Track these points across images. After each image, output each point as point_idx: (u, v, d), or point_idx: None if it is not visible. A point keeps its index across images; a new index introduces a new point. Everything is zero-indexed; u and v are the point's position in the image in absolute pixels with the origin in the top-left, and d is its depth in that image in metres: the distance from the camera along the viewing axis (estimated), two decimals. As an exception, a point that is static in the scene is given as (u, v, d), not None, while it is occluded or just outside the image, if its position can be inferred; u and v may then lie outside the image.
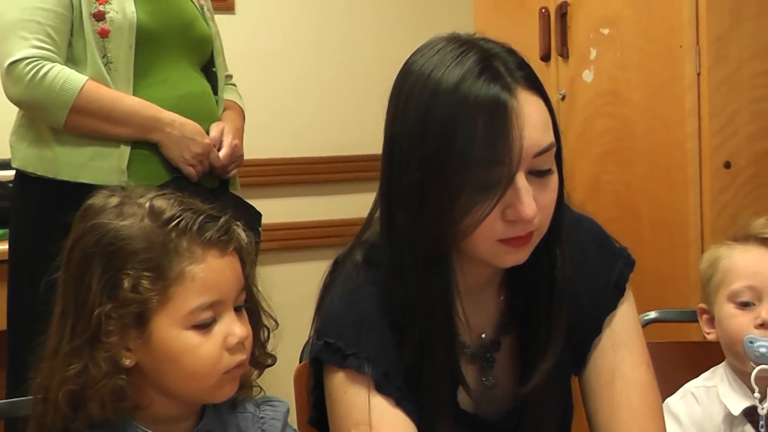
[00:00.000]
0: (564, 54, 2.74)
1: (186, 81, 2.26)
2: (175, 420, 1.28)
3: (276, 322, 1.36)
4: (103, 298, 1.20)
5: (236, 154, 2.28)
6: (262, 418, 1.35)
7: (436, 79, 1.19)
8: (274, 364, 1.36)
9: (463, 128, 1.16)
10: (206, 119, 2.26)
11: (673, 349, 1.83)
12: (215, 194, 2.16)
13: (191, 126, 2.19)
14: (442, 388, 1.26)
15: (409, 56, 1.25)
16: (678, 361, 1.78)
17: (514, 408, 1.33)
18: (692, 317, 1.75)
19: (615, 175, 2.63)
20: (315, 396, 1.32)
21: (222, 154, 2.24)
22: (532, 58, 2.75)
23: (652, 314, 1.93)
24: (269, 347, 1.35)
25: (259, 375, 1.38)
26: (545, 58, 2.79)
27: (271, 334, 1.35)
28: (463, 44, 1.21)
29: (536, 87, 1.21)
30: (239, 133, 2.33)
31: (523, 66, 1.21)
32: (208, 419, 1.31)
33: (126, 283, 1.20)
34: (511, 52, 1.23)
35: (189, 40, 2.27)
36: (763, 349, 1.53)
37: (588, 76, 2.67)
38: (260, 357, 1.34)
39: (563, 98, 2.74)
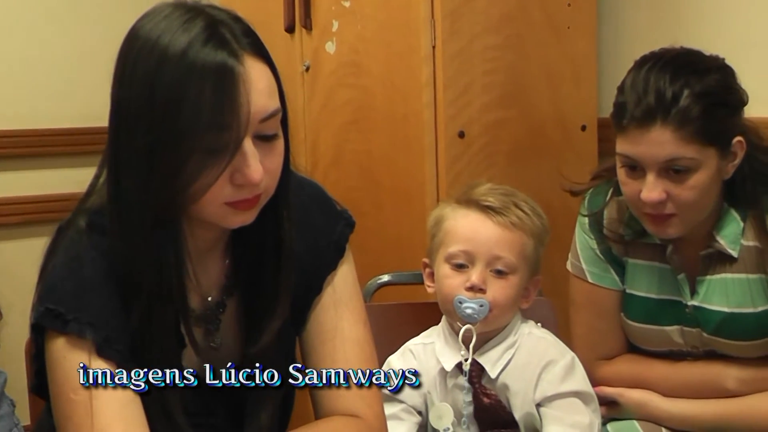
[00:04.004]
0: (308, 25, 2.76)
1: None
2: None
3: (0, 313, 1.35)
4: None
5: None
6: (-23, 388, 1.33)
7: (163, 44, 1.19)
8: None
9: (191, 94, 1.17)
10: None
11: (404, 309, 1.91)
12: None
13: None
14: (168, 351, 1.27)
15: (135, 21, 1.25)
16: (407, 320, 1.86)
17: (239, 369, 1.35)
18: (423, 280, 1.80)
19: (357, 145, 2.68)
20: (37, 364, 1.30)
21: None
22: (277, 30, 2.79)
23: (385, 277, 2.00)
24: None
25: None
26: (290, 29, 2.80)
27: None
28: (189, 11, 1.22)
29: (262, 53, 1.24)
30: None
31: (249, 33, 1.24)
32: None
33: None
34: (238, 19, 1.24)
35: None
36: (469, 310, 1.62)
37: (330, 47, 2.71)
38: None
39: (307, 69, 2.77)
